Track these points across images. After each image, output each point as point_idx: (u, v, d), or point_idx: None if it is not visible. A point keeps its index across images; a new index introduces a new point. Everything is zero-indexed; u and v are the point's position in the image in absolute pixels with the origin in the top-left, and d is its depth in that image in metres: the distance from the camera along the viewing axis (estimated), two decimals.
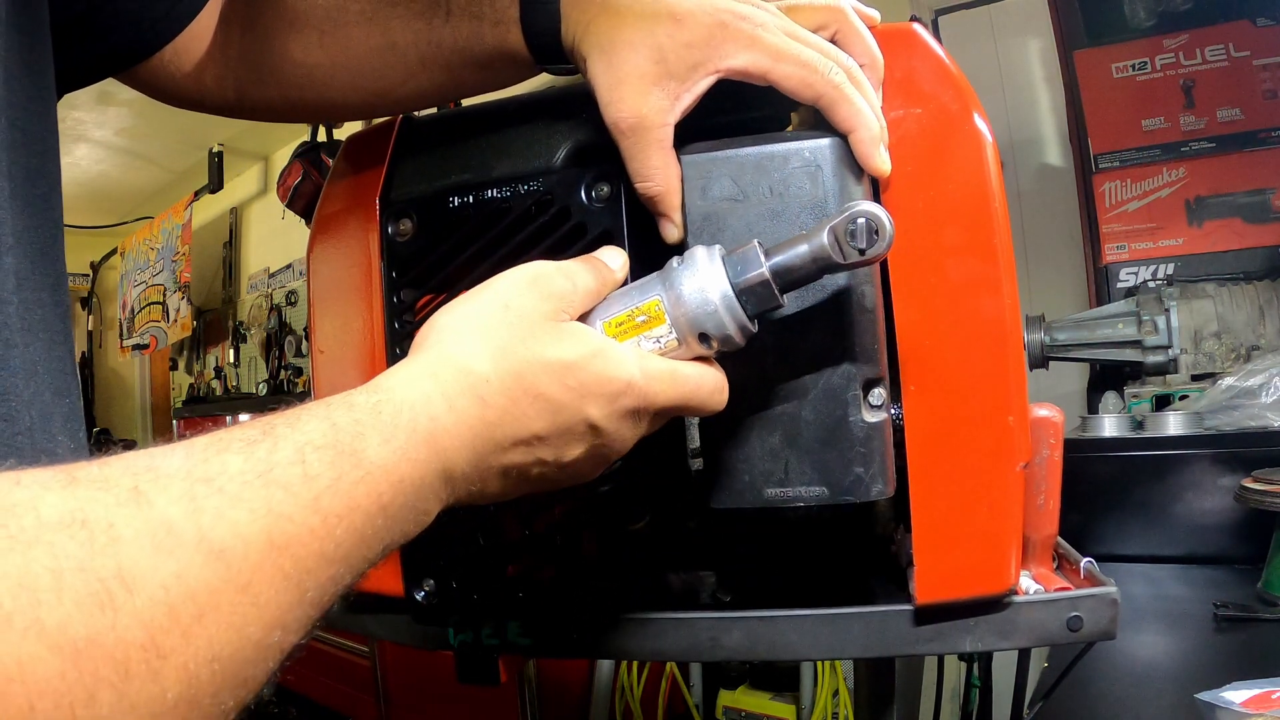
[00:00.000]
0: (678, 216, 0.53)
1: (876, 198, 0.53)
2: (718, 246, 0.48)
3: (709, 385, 0.48)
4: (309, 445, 0.34)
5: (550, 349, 0.43)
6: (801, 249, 0.46)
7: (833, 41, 0.53)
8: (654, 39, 0.51)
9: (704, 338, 0.47)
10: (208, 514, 0.29)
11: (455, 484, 0.40)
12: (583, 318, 0.47)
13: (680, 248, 0.53)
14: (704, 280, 0.46)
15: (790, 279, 0.46)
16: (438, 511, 0.40)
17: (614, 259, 0.51)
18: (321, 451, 0.34)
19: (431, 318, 0.45)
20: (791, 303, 0.51)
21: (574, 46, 0.54)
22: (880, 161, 0.51)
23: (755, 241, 0.47)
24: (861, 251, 0.44)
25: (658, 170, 0.52)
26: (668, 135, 0.52)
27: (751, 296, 0.46)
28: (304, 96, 0.64)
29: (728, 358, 0.49)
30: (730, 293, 0.46)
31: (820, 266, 0.46)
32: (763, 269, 0.46)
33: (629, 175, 0.53)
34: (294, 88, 0.63)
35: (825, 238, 0.45)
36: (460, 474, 0.40)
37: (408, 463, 0.37)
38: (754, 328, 0.47)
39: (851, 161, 0.51)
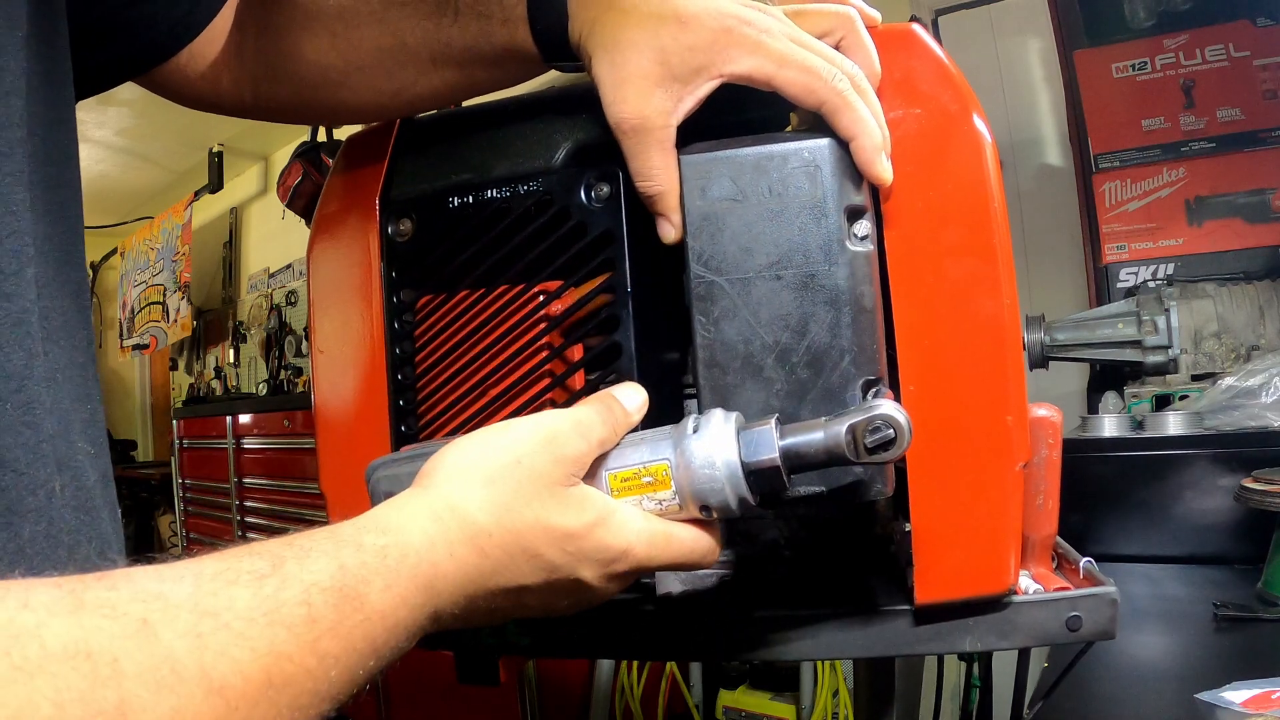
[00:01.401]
0: (676, 217, 0.53)
1: (875, 199, 0.53)
2: (735, 416, 0.47)
3: (702, 548, 0.48)
4: (315, 586, 0.35)
5: (554, 515, 0.44)
6: (816, 437, 0.45)
7: (837, 48, 0.53)
8: (658, 40, 0.51)
9: (705, 508, 0.47)
10: (211, 650, 0.30)
11: (441, 621, 0.41)
12: (594, 464, 0.47)
13: (678, 250, 0.53)
14: (715, 454, 0.45)
15: (798, 464, 0.46)
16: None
17: (632, 400, 0.50)
18: (327, 594, 0.35)
19: (441, 452, 0.46)
20: (791, 302, 0.51)
21: (580, 43, 0.54)
22: (881, 169, 0.51)
23: (774, 420, 0.46)
24: (876, 453, 0.44)
25: (658, 170, 0.52)
26: (670, 136, 0.52)
27: (760, 478, 0.46)
28: (319, 97, 0.64)
29: (722, 350, 0.49)
30: (739, 472, 0.45)
31: (831, 459, 0.45)
32: (775, 454, 0.45)
33: (630, 174, 0.53)
34: (309, 88, 0.63)
35: (843, 434, 0.45)
36: (447, 614, 0.41)
37: (406, 608, 0.38)
38: (755, 503, 0.47)
39: (851, 162, 0.51)
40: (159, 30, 0.59)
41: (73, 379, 0.47)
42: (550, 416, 0.47)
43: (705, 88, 0.52)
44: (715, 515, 0.47)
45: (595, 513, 0.45)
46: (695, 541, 0.48)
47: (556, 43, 0.55)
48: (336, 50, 0.61)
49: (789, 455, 0.46)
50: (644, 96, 0.51)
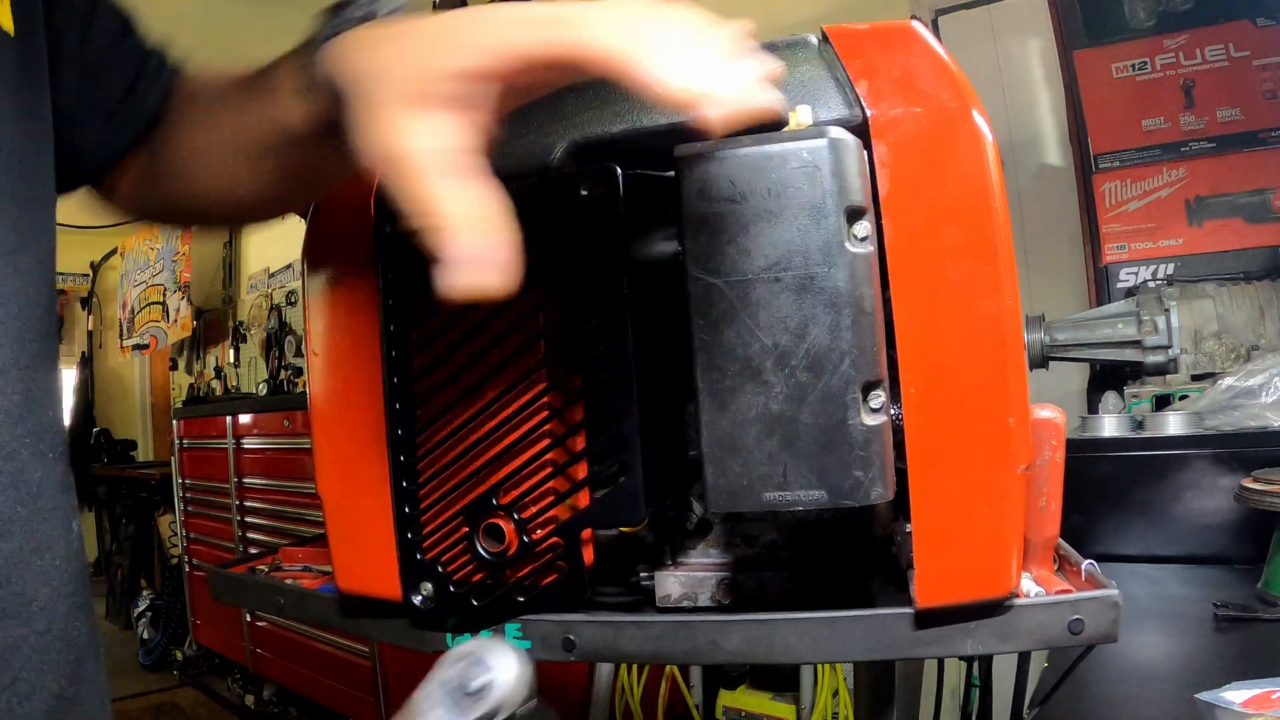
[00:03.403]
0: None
1: (875, 200, 0.52)
2: None
3: None
4: None
5: None
6: None
7: None
8: None
9: None
10: None
11: None
12: None
13: (677, 252, 0.52)
14: None
15: None
16: None
17: None
18: None
19: None
20: (790, 304, 0.50)
21: None
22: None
23: None
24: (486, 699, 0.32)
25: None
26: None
27: None
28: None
29: (721, 353, 0.49)
30: None
31: None
32: None
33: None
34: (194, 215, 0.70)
35: (436, 696, 0.33)
36: None
37: None
38: None
39: (851, 162, 0.51)
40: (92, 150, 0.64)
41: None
42: None
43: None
44: None
45: None
46: None
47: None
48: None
49: None
50: None
